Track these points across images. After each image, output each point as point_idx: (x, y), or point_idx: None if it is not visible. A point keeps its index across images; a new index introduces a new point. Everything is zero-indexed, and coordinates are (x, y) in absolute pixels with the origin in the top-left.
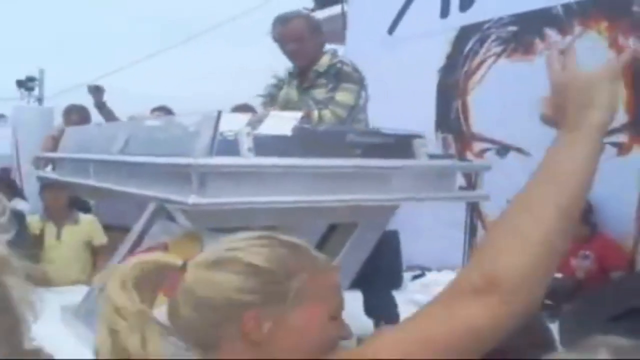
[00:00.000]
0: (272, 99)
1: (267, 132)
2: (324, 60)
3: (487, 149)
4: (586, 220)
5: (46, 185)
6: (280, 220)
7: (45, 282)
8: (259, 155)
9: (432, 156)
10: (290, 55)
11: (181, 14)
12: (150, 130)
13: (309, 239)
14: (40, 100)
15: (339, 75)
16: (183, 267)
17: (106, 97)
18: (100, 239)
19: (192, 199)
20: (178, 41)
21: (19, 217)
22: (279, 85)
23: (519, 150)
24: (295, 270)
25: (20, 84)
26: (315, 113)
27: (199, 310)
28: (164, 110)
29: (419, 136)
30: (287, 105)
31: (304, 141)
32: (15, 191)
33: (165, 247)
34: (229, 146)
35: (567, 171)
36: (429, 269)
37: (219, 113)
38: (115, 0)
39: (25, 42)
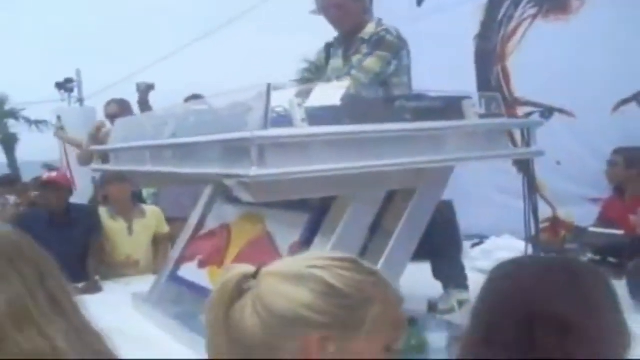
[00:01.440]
0: (313, 77)
1: (316, 103)
2: (369, 28)
3: (531, 113)
4: None
5: (109, 180)
6: (339, 190)
7: (115, 273)
8: (312, 125)
9: (481, 116)
10: (333, 21)
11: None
12: (200, 112)
13: (369, 208)
14: (81, 100)
15: (378, 42)
16: (255, 274)
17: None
18: (164, 228)
19: (254, 171)
20: (208, 31)
21: (92, 212)
22: (310, 69)
23: (562, 111)
24: (372, 299)
25: (59, 86)
26: (335, 82)
27: (264, 320)
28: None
29: (468, 97)
30: (334, 74)
31: (354, 109)
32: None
33: (227, 229)
34: (282, 119)
35: None
36: (487, 237)
37: (269, 85)
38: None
39: (60, 45)
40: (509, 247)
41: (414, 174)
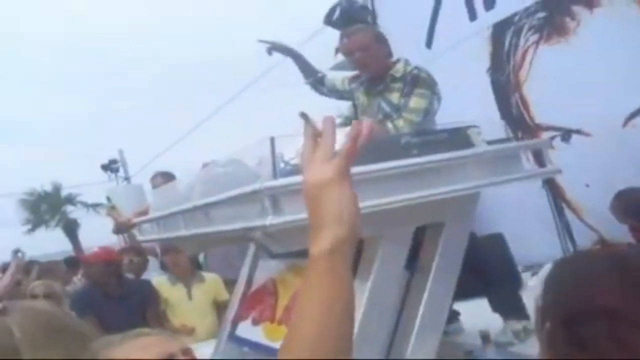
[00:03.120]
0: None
1: None
2: (399, 67)
3: (554, 137)
4: None
5: (166, 250)
6: (366, 230)
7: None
8: None
9: (490, 142)
10: (357, 64)
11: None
12: (222, 172)
13: (400, 246)
14: (127, 179)
15: (414, 80)
16: None
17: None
18: (224, 295)
19: (269, 220)
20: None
21: (145, 284)
22: (346, 124)
23: (579, 132)
24: None
25: (104, 167)
26: (389, 124)
27: None
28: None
29: (473, 126)
30: (363, 111)
31: (361, 151)
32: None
33: (273, 284)
34: (293, 169)
35: (309, 307)
36: (540, 265)
37: (272, 138)
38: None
39: (101, 128)
40: None
41: (438, 208)
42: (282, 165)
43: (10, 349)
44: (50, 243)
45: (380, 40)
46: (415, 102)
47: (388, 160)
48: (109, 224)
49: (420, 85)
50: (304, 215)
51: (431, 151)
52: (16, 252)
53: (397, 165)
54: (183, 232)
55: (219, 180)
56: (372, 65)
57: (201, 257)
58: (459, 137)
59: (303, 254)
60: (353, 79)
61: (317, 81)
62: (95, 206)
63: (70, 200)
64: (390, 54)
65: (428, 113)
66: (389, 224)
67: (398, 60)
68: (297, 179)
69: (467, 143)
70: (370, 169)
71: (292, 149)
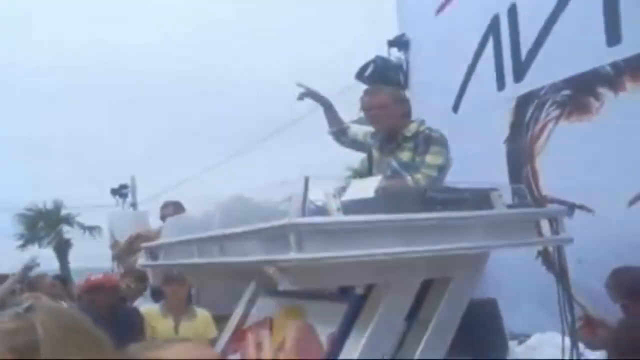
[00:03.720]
0: None
1: (352, 196)
2: (412, 126)
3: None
4: None
5: (167, 280)
6: (376, 278)
7: None
8: (347, 214)
9: (509, 206)
10: (373, 120)
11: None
12: (245, 204)
13: (405, 297)
14: (134, 205)
15: (428, 139)
16: None
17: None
18: (212, 333)
19: (292, 255)
20: (251, 143)
21: (134, 313)
22: (355, 177)
23: (582, 207)
24: None
25: (114, 192)
26: (409, 178)
27: None
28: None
29: (495, 189)
30: (375, 166)
31: (387, 201)
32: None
33: (269, 322)
34: (319, 210)
35: None
36: (530, 334)
37: (307, 178)
38: (190, 111)
39: (116, 153)
40: (554, 343)
41: (447, 263)
42: (308, 205)
43: (33, 346)
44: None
45: (398, 101)
46: (431, 158)
47: (414, 211)
48: (102, 247)
49: (434, 143)
50: (325, 254)
51: (453, 208)
52: (33, 259)
53: (419, 218)
54: (195, 260)
55: (239, 213)
56: (384, 123)
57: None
58: (480, 198)
59: (304, 294)
60: (373, 134)
61: (340, 131)
62: (91, 229)
63: (68, 220)
64: (407, 115)
65: (443, 169)
66: (399, 273)
67: (413, 121)
68: (324, 218)
69: (488, 204)
70: (394, 218)
71: (316, 191)
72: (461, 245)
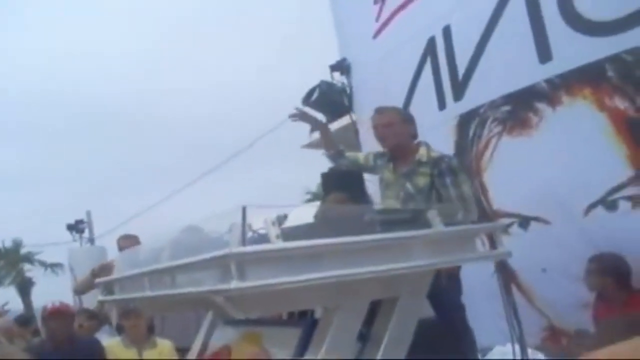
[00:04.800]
0: None
1: (294, 223)
2: (423, 151)
3: (511, 223)
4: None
5: (125, 315)
6: (321, 301)
7: None
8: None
9: (446, 224)
10: (380, 138)
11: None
12: (192, 236)
13: (354, 318)
14: (91, 240)
15: (452, 168)
16: None
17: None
18: None
19: (234, 284)
20: (209, 168)
21: (94, 342)
22: (313, 200)
23: (538, 219)
24: None
25: (70, 227)
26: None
27: None
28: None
29: (432, 208)
30: (386, 186)
31: (327, 225)
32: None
33: (228, 349)
34: (260, 238)
35: None
36: (490, 347)
37: (244, 207)
38: (146, 137)
39: (71, 188)
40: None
41: (393, 283)
42: (250, 234)
43: None
44: None
45: (406, 121)
46: (467, 188)
47: (354, 234)
48: (64, 284)
49: (459, 172)
50: (266, 281)
51: (393, 229)
52: (2, 306)
53: (358, 241)
54: (148, 293)
55: (188, 245)
56: (391, 141)
57: (158, 324)
58: (418, 218)
59: (260, 321)
60: (379, 156)
61: (337, 154)
62: (53, 266)
63: (29, 258)
64: (415, 136)
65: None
66: (346, 296)
67: (420, 144)
68: (263, 247)
69: (426, 224)
70: (333, 242)
71: (260, 219)
72: (402, 265)
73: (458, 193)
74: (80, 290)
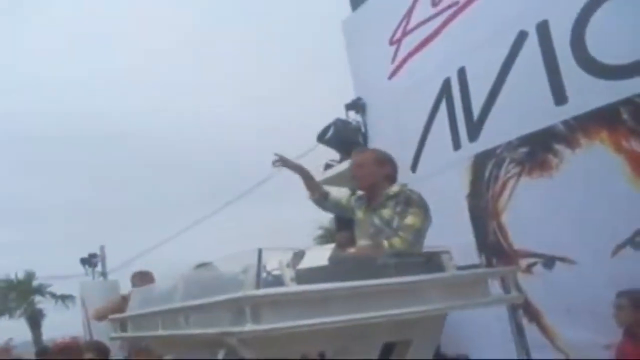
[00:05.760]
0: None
1: (308, 265)
2: (395, 188)
3: (534, 263)
4: None
5: (137, 352)
6: (334, 344)
7: None
8: (302, 284)
9: (460, 267)
10: (353, 177)
11: (221, 176)
12: (206, 276)
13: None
14: (104, 274)
15: (408, 200)
16: None
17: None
18: None
19: (248, 327)
20: (219, 205)
21: None
22: (326, 236)
23: (563, 259)
24: None
25: (84, 261)
26: (385, 242)
27: None
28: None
29: (446, 251)
30: (358, 226)
31: (341, 268)
32: None
33: None
34: (274, 280)
35: None
36: None
37: (260, 250)
38: (159, 177)
39: (85, 223)
40: None
41: (406, 326)
42: (264, 275)
43: None
44: (8, 331)
45: (379, 162)
46: (410, 220)
47: (366, 278)
48: (75, 317)
49: (413, 205)
50: (280, 325)
51: (406, 272)
52: (7, 342)
53: (372, 284)
54: (160, 332)
55: (201, 284)
56: (362, 181)
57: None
58: (432, 261)
59: None
60: (357, 198)
61: (322, 197)
62: (64, 298)
63: (40, 290)
64: (391, 177)
65: (421, 232)
66: (358, 338)
67: (395, 184)
68: (278, 289)
69: (439, 267)
70: (347, 286)
71: (275, 261)
72: (414, 309)
73: (398, 221)
74: (103, 314)
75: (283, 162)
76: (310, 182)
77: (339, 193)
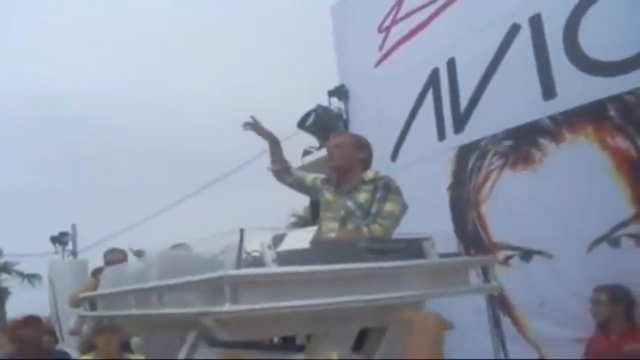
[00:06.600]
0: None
1: (288, 247)
2: (370, 173)
3: (511, 256)
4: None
5: (99, 330)
6: (311, 327)
7: None
8: (282, 266)
9: (442, 255)
10: (328, 157)
11: (197, 161)
12: (182, 256)
13: (342, 345)
14: (74, 253)
15: (387, 187)
16: None
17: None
18: None
19: (227, 307)
20: (196, 189)
21: (64, 356)
22: (299, 223)
23: (540, 253)
24: None
25: (54, 239)
26: (365, 229)
27: None
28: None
29: (428, 238)
30: (327, 208)
31: (323, 251)
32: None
33: None
34: (255, 261)
35: None
36: None
37: (242, 230)
38: (134, 155)
39: (57, 200)
40: None
41: (383, 311)
42: (244, 256)
43: None
44: None
45: (357, 147)
46: (389, 207)
47: (346, 261)
48: (41, 296)
49: (393, 192)
50: (259, 305)
51: (386, 258)
52: None
53: (353, 268)
54: (133, 312)
55: (176, 263)
56: (336, 160)
57: (133, 342)
58: (413, 248)
59: (246, 345)
60: (326, 180)
61: (283, 170)
62: (31, 277)
63: (7, 268)
64: (366, 162)
65: (398, 219)
66: (333, 323)
67: (370, 170)
68: (259, 270)
69: (420, 253)
70: (324, 269)
71: (255, 243)
72: (395, 294)
73: (378, 208)
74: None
75: (254, 125)
76: (277, 151)
77: (307, 173)
